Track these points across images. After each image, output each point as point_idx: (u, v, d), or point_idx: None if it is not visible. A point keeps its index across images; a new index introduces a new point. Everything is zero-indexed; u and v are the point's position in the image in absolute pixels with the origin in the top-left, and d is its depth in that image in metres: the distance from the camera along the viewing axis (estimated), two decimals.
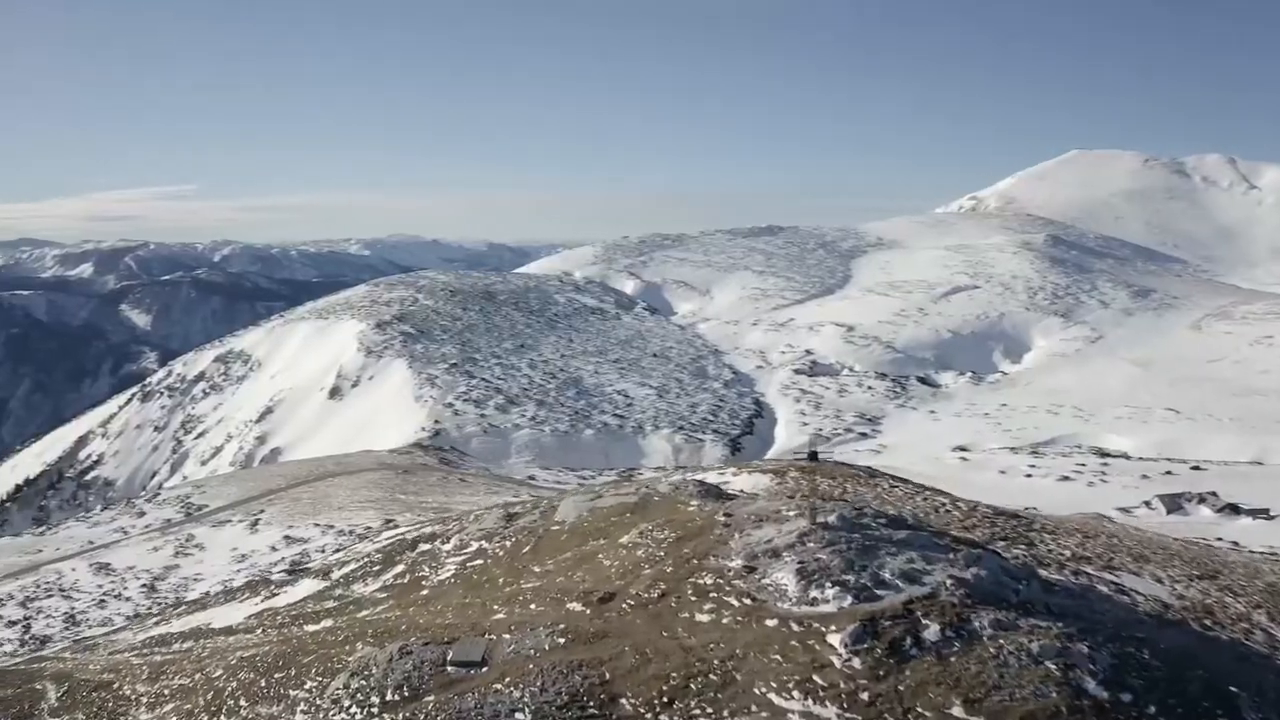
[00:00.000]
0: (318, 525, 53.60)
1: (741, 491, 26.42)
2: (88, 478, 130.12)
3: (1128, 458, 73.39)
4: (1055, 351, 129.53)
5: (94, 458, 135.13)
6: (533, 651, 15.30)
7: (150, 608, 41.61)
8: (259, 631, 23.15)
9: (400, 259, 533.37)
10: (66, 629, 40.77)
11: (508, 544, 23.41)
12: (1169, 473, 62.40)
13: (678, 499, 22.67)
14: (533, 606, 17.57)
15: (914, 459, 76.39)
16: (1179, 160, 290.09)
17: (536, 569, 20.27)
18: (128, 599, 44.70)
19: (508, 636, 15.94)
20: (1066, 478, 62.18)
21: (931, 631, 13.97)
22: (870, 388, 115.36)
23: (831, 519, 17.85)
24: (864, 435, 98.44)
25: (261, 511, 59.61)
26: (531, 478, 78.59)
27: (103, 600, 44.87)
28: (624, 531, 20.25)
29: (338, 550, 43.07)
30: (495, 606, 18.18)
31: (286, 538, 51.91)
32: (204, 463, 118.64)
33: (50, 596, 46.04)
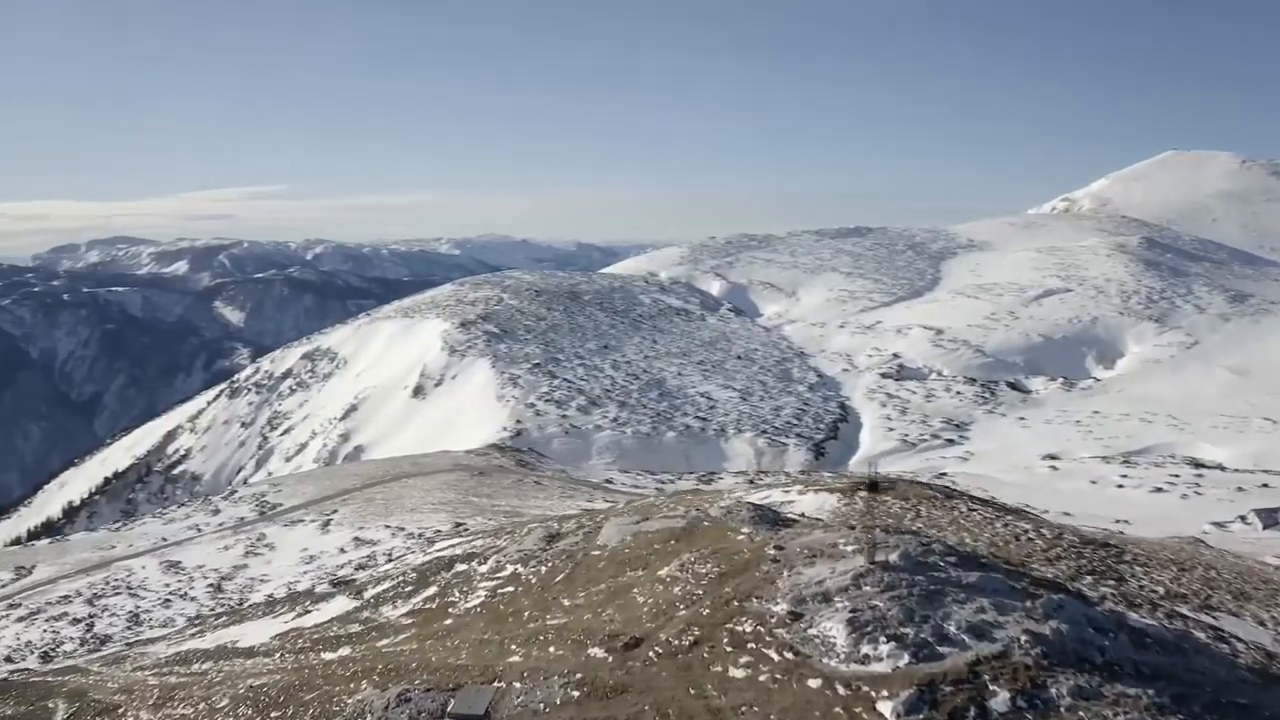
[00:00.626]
0: (388, 527, 53.05)
1: (803, 515, 24.64)
2: (175, 472, 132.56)
3: (1223, 469, 70.88)
4: (1149, 357, 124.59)
5: (182, 452, 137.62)
6: (542, 705, 13.73)
7: (214, 608, 41.11)
8: (277, 656, 22.21)
9: (490, 259, 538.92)
10: (128, 628, 40.37)
11: (543, 570, 21.97)
12: (1266, 485, 60.16)
13: (728, 525, 20.96)
14: (552, 649, 16.05)
15: (1003, 467, 73.99)
16: (1276, 161, 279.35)
17: (566, 602, 18.78)
18: (193, 599, 44.33)
19: (518, 685, 14.44)
20: (1159, 489, 60.07)
21: (999, 700, 12.09)
22: (958, 393, 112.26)
23: (893, 557, 15.96)
24: (951, 442, 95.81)
25: (334, 511, 59.34)
26: (609, 481, 77.37)
27: (168, 600, 44.54)
28: (665, 562, 18.63)
29: (401, 555, 42.12)
30: (514, 646, 16.73)
31: (356, 539, 51.35)
32: (289, 459, 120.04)
33: (117, 594, 45.90)
